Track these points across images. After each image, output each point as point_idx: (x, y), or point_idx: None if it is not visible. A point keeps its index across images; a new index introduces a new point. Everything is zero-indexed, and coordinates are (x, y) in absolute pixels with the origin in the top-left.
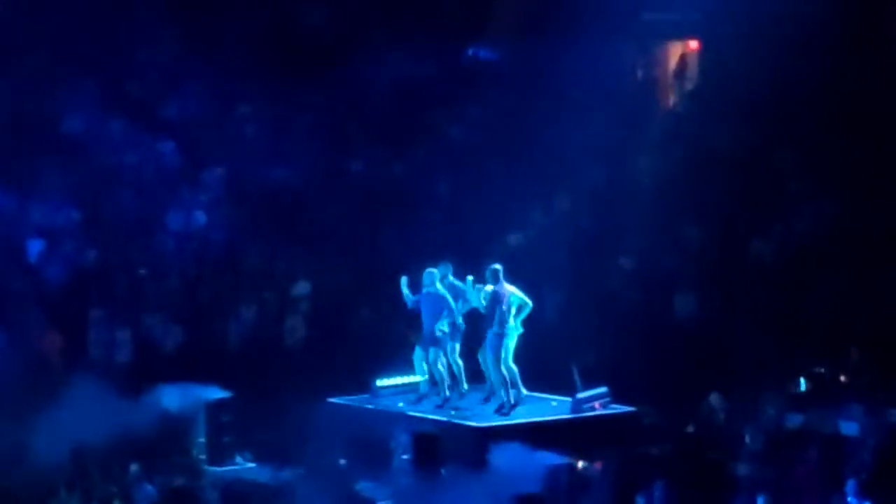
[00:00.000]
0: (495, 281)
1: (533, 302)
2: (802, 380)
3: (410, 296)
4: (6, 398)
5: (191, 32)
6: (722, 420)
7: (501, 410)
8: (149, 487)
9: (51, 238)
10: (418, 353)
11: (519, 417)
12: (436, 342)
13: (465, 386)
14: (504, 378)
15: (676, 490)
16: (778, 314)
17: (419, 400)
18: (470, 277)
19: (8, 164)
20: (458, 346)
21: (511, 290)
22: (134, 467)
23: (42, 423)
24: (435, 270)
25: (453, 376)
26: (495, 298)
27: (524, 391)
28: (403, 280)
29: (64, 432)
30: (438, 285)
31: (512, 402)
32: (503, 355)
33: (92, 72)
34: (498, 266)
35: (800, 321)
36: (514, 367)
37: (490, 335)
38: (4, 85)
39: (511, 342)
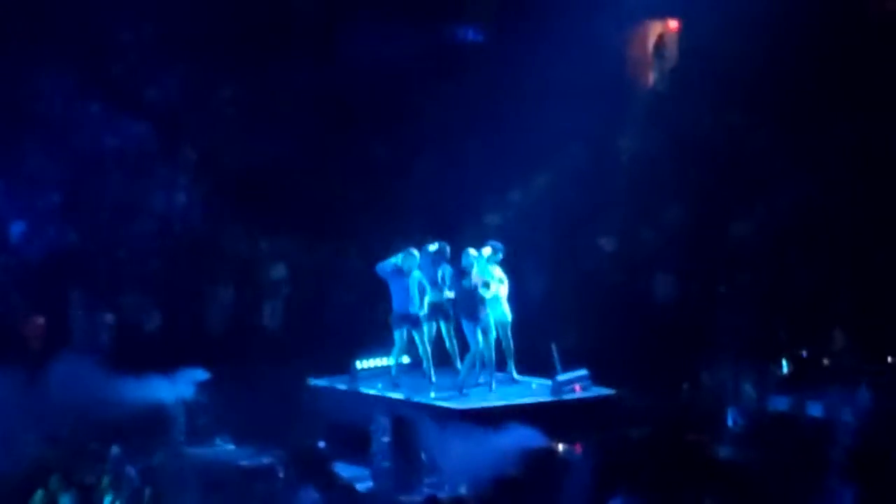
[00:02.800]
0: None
1: (512, 283)
2: (784, 362)
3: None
4: None
5: (171, 12)
6: (702, 402)
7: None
8: (130, 470)
9: (31, 220)
10: (396, 335)
11: (498, 400)
12: (415, 323)
13: (459, 365)
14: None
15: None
16: (759, 296)
17: (395, 382)
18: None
19: None
20: (451, 327)
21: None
22: (115, 450)
23: (21, 407)
24: (415, 251)
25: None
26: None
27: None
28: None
29: (43, 416)
30: (417, 269)
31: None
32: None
33: (71, 53)
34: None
35: (781, 303)
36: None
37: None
38: None
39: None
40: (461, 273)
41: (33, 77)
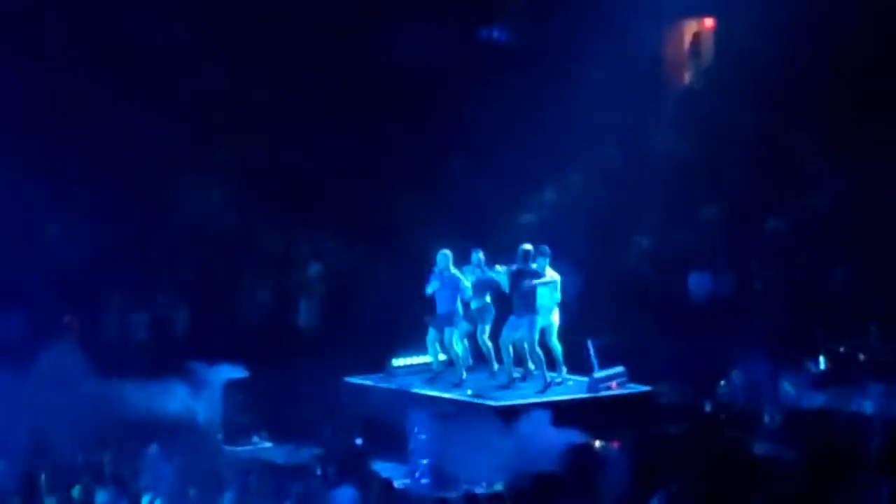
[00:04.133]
0: (523, 261)
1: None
2: (821, 358)
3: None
4: (24, 381)
5: (206, 12)
6: (739, 399)
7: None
8: (168, 468)
9: (66, 220)
10: (431, 333)
11: (536, 397)
12: (450, 322)
13: (496, 366)
14: (541, 358)
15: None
16: (795, 293)
17: (433, 379)
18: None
19: (26, 147)
20: (487, 328)
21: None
22: (153, 448)
23: (60, 405)
24: (448, 252)
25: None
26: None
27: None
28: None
29: (80, 414)
30: (451, 267)
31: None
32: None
33: (106, 53)
34: (528, 246)
35: (818, 299)
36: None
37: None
38: (22, 68)
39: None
40: (521, 270)
41: (68, 77)
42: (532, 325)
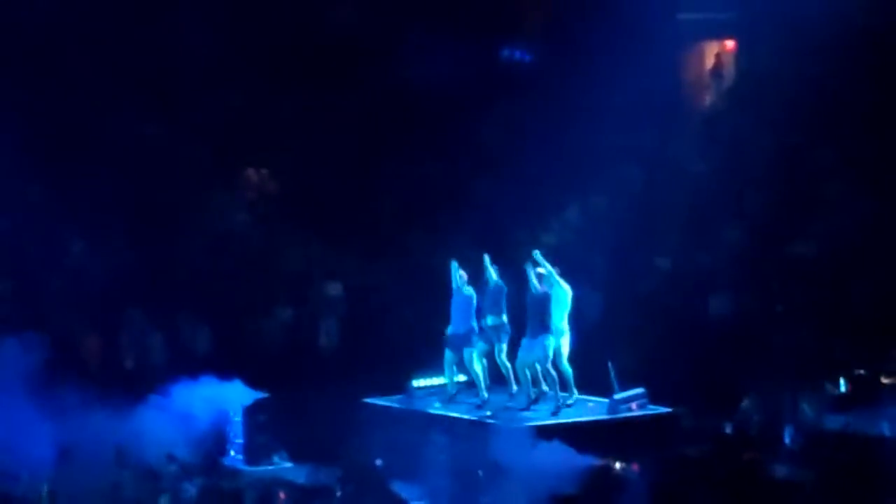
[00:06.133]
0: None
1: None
2: (842, 381)
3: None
4: (46, 399)
5: (230, 35)
6: (760, 421)
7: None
8: (189, 487)
9: (90, 240)
10: (448, 355)
11: (556, 418)
12: (468, 342)
13: (514, 387)
14: (555, 378)
15: None
16: (817, 315)
17: (450, 400)
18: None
19: (50, 165)
20: (504, 347)
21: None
22: (173, 467)
23: (82, 424)
24: (464, 272)
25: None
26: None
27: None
28: (454, 265)
29: (101, 433)
30: (465, 286)
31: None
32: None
33: (131, 74)
34: (541, 270)
35: (840, 322)
36: (554, 373)
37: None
38: (47, 87)
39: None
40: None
41: (92, 96)
42: (545, 346)
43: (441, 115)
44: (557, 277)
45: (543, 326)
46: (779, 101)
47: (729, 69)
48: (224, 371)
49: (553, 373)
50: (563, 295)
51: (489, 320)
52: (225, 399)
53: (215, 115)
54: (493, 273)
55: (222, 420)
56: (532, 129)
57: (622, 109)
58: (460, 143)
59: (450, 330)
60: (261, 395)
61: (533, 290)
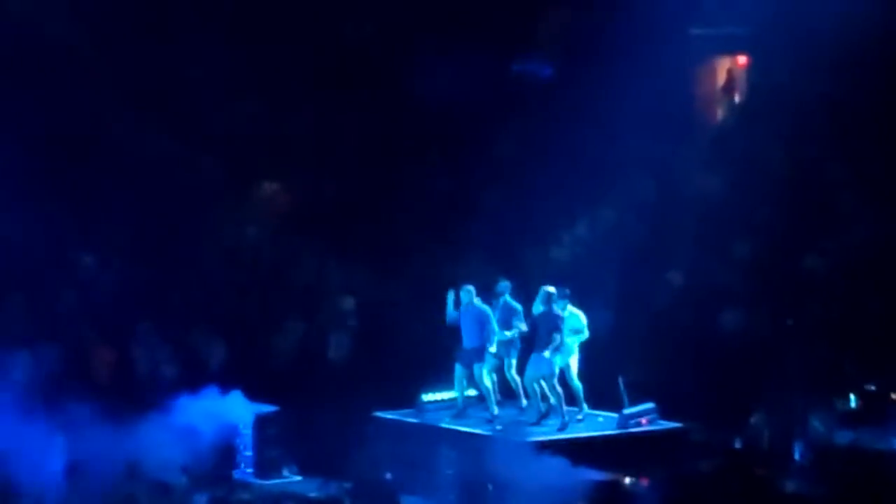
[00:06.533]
0: (546, 303)
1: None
2: (853, 396)
3: (453, 312)
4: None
5: (240, 48)
6: (770, 436)
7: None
8: (199, 500)
9: (102, 253)
10: (458, 370)
11: (565, 433)
12: (479, 357)
13: (524, 402)
14: (560, 394)
15: None
16: (829, 330)
17: (459, 415)
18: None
19: (62, 178)
20: (514, 363)
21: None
22: (183, 480)
23: (91, 437)
24: (472, 288)
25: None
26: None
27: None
28: (450, 295)
29: (111, 447)
30: (476, 300)
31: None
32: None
33: (145, 87)
34: (551, 289)
35: (850, 337)
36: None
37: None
38: (60, 100)
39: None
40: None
41: (104, 109)
42: (551, 361)
43: (454, 130)
44: (571, 307)
45: (549, 341)
46: (791, 115)
47: (741, 84)
48: (235, 384)
49: (559, 389)
50: (576, 320)
51: (499, 336)
52: (226, 412)
53: (229, 128)
54: (508, 300)
55: (231, 433)
56: (545, 143)
57: (634, 124)
58: (473, 158)
59: (462, 345)
60: (261, 407)
61: (542, 307)
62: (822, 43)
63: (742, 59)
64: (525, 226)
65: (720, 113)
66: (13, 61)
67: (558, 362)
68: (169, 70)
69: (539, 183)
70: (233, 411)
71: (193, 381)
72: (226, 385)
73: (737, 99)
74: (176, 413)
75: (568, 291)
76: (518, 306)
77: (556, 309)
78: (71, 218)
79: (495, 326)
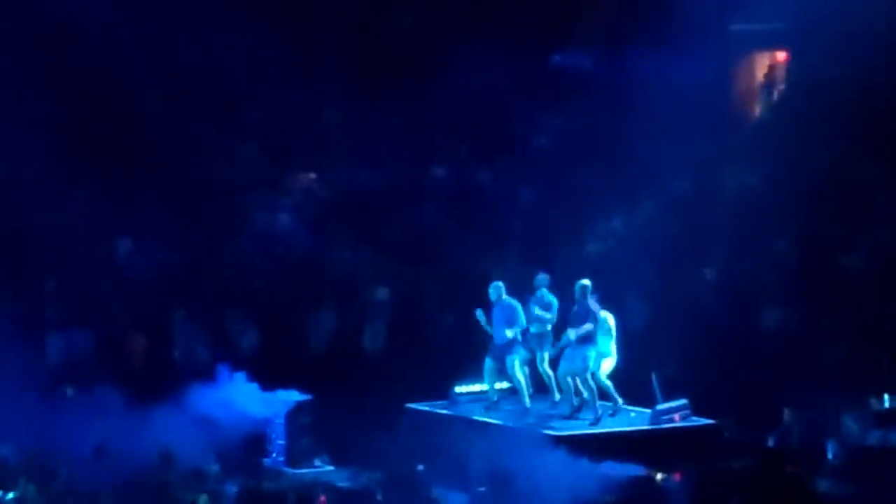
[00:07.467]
0: (583, 297)
1: (614, 311)
2: (887, 397)
3: (486, 324)
4: (91, 398)
5: (278, 37)
6: (802, 435)
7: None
8: (230, 488)
9: (137, 240)
10: (488, 363)
11: (597, 427)
12: (510, 351)
13: (557, 395)
14: (593, 389)
15: None
16: (864, 329)
17: (492, 407)
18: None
19: (98, 164)
20: (546, 356)
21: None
22: (215, 468)
23: (126, 423)
24: (501, 284)
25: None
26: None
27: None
28: (479, 314)
29: (147, 432)
30: (505, 296)
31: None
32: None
33: (179, 75)
34: (587, 282)
35: (885, 337)
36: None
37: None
38: (97, 87)
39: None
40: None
41: (141, 97)
42: (586, 356)
43: (492, 122)
44: (602, 311)
45: (587, 339)
46: (829, 112)
47: (780, 80)
48: (268, 372)
49: (591, 383)
50: (605, 323)
51: (533, 328)
52: (257, 400)
53: (266, 116)
54: (546, 294)
55: (264, 421)
56: (583, 137)
57: (672, 119)
58: (510, 151)
59: (493, 339)
60: (294, 395)
61: (579, 302)
62: (862, 40)
63: (781, 55)
64: (560, 220)
65: (759, 109)
66: (51, 47)
67: (594, 356)
68: (207, 56)
69: (576, 177)
70: (265, 399)
71: (227, 368)
72: (259, 373)
73: (776, 95)
74: (208, 400)
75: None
76: (554, 300)
77: (591, 303)
78: (107, 203)
79: (523, 320)
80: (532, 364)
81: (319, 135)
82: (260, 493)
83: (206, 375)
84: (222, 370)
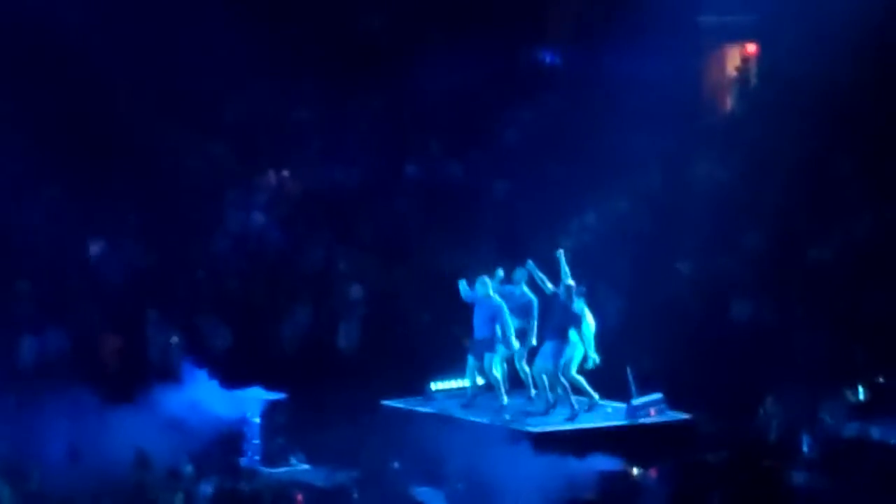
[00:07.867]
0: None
1: (588, 307)
2: (861, 388)
3: (467, 290)
4: (64, 399)
5: (250, 36)
6: (778, 428)
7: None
8: (204, 488)
9: (110, 239)
10: (471, 360)
11: (574, 423)
12: (490, 348)
13: (533, 392)
14: (566, 385)
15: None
16: (836, 322)
17: (468, 404)
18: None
19: (70, 165)
20: (524, 353)
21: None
22: (189, 468)
23: (100, 424)
24: (487, 278)
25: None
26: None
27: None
28: (461, 283)
29: (121, 433)
30: (494, 295)
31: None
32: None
33: (151, 74)
34: (571, 282)
35: (859, 329)
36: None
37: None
38: (68, 88)
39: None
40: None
41: (112, 97)
42: (559, 353)
43: (463, 118)
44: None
45: (558, 332)
46: (800, 105)
47: (750, 73)
48: (242, 371)
49: (564, 381)
50: (584, 320)
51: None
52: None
53: (238, 115)
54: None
55: (239, 421)
56: (553, 131)
57: (643, 113)
58: (482, 146)
59: (473, 336)
60: (268, 394)
61: (549, 295)
62: (833, 32)
63: (752, 48)
64: (533, 215)
65: (729, 102)
66: (24, 50)
67: (568, 353)
68: (179, 56)
69: (547, 172)
70: (239, 399)
71: (200, 367)
72: (234, 372)
73: (746, 88)
74: (181, 400)
75: (584, 290)
76: (534, 297)
77: (576, 306)
78: (79, 203)
79: (509, 321)
80: (511, 361)
81: (291, 133)
82: (236, 493)
83: (180, 376)
84: (195, 370)
